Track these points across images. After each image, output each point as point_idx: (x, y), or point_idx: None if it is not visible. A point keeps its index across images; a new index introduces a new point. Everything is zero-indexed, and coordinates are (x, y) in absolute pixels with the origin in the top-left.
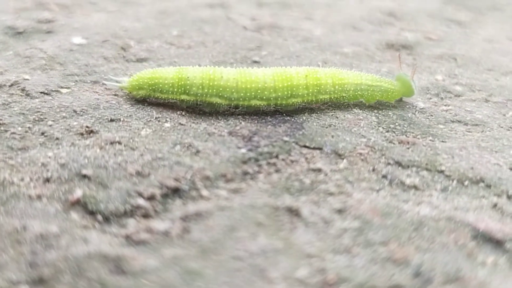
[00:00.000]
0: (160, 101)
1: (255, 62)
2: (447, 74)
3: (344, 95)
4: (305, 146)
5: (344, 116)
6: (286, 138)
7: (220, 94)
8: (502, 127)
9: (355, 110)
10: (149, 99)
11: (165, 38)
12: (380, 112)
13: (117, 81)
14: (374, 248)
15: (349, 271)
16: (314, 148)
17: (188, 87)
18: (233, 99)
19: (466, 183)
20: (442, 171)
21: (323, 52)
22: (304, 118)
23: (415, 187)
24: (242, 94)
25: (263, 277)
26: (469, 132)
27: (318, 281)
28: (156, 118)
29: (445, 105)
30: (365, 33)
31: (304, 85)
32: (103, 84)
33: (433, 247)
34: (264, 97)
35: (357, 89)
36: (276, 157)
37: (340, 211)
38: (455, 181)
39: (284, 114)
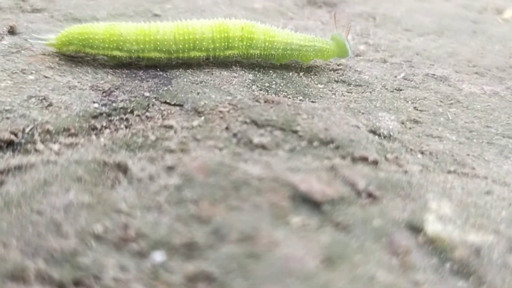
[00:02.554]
0: (88, 56)
1: (156, 15)
2: (359, 33)
3: (273, 52)
4: (166, 102)
5: (220, 73)
6: (147, 94)
7: (159, 48)
8: (386, 88)
9: (234, 67)
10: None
11: None
12: (261, 70)
13: (42, 39)
14: (184, 206)
15: (151, 228)
16: (174, 105)
17: (121, 43)
18: (172, 51)
19: (315, 143)
20: (296, 131)
21: (232, 6)
22: (177, 73)
23: (263, 147)
24: (181, 46)
25: (56, 231)
26: (348, 92)
27: (115, 236)
28: (22, 70)
29: (337, 64)
30: None
31: (240, 37)
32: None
33: (243, 206)
34: (203, 48)
35: (286, 48)
36: (131, 112)
37: (169, 168)
38: (305, 142)
39: (158, 69)
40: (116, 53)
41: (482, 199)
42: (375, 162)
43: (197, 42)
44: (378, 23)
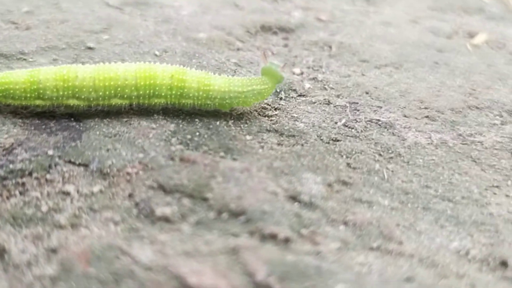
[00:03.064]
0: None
1: (90, 48)
2: (310, 65)
3: (209, 102)
4: (70, 162)
5: (139, 122)
6: (51, 152)
7: (77, 95)
8: (321, 139)
9: (156, 115)
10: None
11: (10, 15)
12: (186, 118)
13: None
14: None
15: None
16: (79, 165)
17: (41, 91)
18: (92, 99)
19: (224, 215)
20: (206, 199)
21: (174, 37)
22: (92, 124)
23: (166, 219)
24: (101, 93)
25: None
26: (279, 145)
27: None
28: None
29: (275, 109)
30: (244, 11)
31: (169, 85)
32: None
33: None
34: (126, 96)
35: (224, 97)
36: (30, 175)
37: (52, 252)
38: (213, 212)
39: (73, 119)
40: (38, 102)
41: None
42: (286, 240)
43: (119, 89)
44: (333, 53)
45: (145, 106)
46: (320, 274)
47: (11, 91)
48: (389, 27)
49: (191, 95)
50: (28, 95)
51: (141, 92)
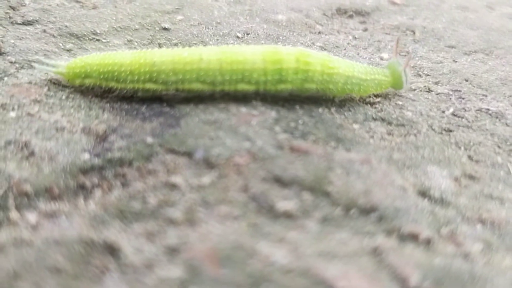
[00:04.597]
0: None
1: (164, 29)
2: (397, 51)
3: (331, 87)
4: (172, 151)
5: (237, 109)
6: (150, 139)
7: (202, 79)
8: (433, 129)
9: (253, 101)
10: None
11: None
12: (285, 104)
13: (50, 65)
14: None
15: None
16: (182, 154)
17: (155, 74)
18: (217, 83)
19: (352, 211)
20: (328, 193)
21: (252, 18)
22: (187, 110)
23: (287, 215)
24: (227, 78)
25: None
26: (389, 135)
27: None
28: (1, 105)
29: (375, 96)
30: None
31: (295, 69)
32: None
33: None
34: (253, 81)
35: (347, 82)
36: (130, 165)
37: (172, 251)
38: (339, 208)
39: (165, 104)
40: (149, 86)
41: None
42: (427, 241)
43: (246, 73)
44: (418, 37)
45: (270, 93)
46: (474, 281)
47: (115, 73)
48: (466, 11)
49: (315, 79)
50: (136, 77)
51: (269, 78)
